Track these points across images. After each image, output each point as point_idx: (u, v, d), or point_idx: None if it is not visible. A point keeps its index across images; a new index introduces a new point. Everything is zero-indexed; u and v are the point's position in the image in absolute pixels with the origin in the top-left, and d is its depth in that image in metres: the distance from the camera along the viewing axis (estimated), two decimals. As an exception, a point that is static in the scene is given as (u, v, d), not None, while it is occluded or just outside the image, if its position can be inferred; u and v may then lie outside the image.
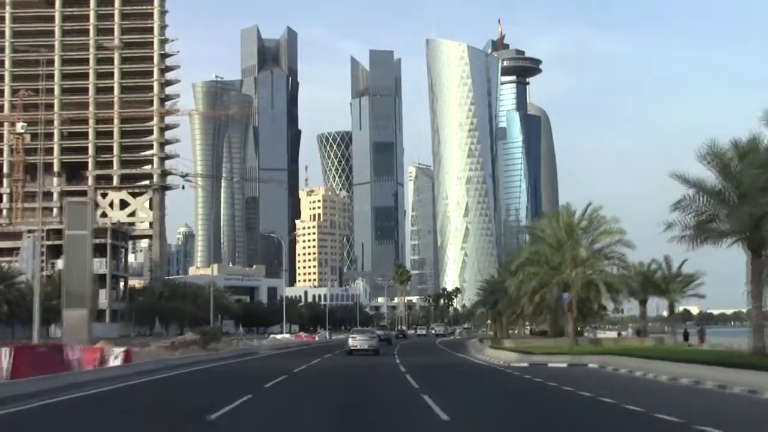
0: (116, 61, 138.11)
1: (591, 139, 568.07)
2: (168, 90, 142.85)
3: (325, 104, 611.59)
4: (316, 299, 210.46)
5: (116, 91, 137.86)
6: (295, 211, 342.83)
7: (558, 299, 48.43)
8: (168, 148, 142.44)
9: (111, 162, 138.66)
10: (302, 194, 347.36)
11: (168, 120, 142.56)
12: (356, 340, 47.84)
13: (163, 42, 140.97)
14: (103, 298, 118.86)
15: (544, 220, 56.51)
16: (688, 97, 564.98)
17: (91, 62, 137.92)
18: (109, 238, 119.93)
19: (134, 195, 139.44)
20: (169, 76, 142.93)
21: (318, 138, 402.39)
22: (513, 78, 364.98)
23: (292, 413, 16.73)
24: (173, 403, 19.79)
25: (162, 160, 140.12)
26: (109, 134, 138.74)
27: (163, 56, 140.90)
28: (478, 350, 55.08)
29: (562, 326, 60.19)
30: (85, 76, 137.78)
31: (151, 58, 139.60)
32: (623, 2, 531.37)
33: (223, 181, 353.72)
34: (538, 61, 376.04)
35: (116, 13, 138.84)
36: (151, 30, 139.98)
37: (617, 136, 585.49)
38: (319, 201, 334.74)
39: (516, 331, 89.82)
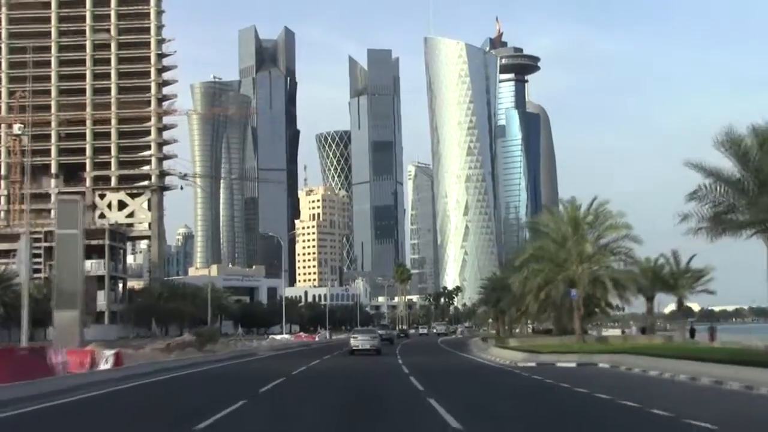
0: (113, 62, 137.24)
1: (591, 138, 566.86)
2: (165, 90, 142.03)
3: (324, 104, 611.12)
4: (316, 299, 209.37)
5: (113, 91, 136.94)
6: (294, 211, 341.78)
7: (564, 296, 47.22)
8: (166, 149, 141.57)
9: (109, 163, 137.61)
10: (301, 194, 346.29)
11: (166, 120, 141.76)
12: (358, 340, 47.35)
13: (160, 42, 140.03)
14: (102, 300, 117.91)
15: (547, 214, 54.87)
16: (688, 97, 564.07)
17: (88, 63, 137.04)
18: (108, 240, 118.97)
19: (132, 196, 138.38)
20: (166, 76, 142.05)
21: (317, 138, 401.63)
22: (512, 76, 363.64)
23: (288, 422, 15.47)
24: (159, 410, 18.33)
25: (160, 160, 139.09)
26: (107, 135, 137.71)
27: (160, 56, 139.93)
28: (482, 349, 53.81)
29: (566, 324, 59.00)
30: (82, 77, 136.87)
31: (148, 59, 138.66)
32: (623, 2, 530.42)
33: (222, 181, 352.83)
34: (536, 59, 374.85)
35: (113, 13, 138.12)
36: (147, 30, 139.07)
37: (617, 136, 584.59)
38: (318, 201, 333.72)
39: (518, 330, 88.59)
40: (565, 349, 40.29)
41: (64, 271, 39.38)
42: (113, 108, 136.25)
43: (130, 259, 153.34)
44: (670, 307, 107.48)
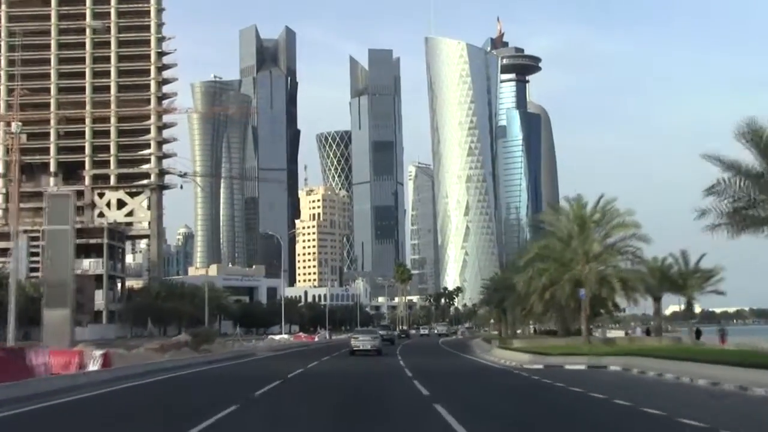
0: (113, 60, 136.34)
1: (591, 138, 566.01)
2: (165, 88, 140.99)
3: (324, 104, 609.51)
4: (316, 299, 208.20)
5: (113, 89, 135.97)
6: (294, 211, 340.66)
7: (569, 296, 45.90)
8: (166, 147, 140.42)
9: (108, 161, 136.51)
10: (302, 194, 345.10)
11: (165, 119, 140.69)
12: (359, 341, 46.98)
13: (160, 40, 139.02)
14: (101, 299, 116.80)
15: (552, 213, 53.27)
16: (688, 97, 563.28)
17: (88, 61, 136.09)
18: (106, 238, 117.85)
19: (132, 195, 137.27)
20: (166, 74, 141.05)
21: (317, 137, 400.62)
22: (512, 76, 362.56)
23: (284, 430, 14.18)
24: (141, 417, 16.67)
25: (159, 159, 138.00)
26: (106, 133, 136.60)
27: (160, 54, 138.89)
28: (485, 351, 52.54)
29: (570, 325, 57.73)
30: (82, 74, 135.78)
31: (148, 56, 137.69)
32: (623, 2, 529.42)
33: (222, 181, 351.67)
34: (537, 59, 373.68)
35: (112, 11, 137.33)
36: (147, 28, 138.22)
37: (617, 136, 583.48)
38: (318, 201, 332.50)
39: (521, 331, 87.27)
40: (572, 350, 39.02)
41: (55, 269, 38.04)
42: (113, 106, 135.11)
43: (129, 258, 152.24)
44: (672, 308, 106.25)
